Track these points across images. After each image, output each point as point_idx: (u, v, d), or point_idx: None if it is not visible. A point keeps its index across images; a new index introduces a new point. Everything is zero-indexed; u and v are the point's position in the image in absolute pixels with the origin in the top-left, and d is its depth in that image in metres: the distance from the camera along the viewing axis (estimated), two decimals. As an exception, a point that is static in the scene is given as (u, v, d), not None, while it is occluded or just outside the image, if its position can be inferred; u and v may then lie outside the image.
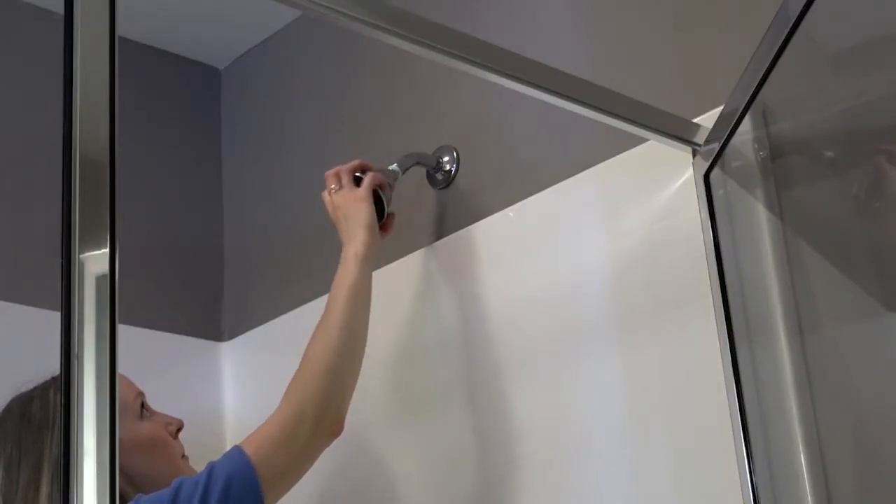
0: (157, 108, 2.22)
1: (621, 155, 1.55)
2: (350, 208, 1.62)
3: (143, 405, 1.56)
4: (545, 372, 1.58)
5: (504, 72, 1.26)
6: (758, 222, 1.37)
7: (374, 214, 1.62)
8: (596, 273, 1.55)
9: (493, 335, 1.66)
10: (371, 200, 1.63)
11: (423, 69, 1.87)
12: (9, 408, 1.51)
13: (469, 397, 1.67)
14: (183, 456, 1.59)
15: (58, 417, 1.47)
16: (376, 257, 1.62)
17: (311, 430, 1.44)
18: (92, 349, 0.84)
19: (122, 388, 1.50)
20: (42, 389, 1.51)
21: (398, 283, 1.80)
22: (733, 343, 1.34)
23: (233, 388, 2.11)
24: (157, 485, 1.43)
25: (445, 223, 1.79)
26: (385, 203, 1.67)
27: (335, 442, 1.48)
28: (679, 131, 1.41)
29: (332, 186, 1.65)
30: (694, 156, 1.43)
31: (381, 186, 1.66)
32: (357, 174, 1.66)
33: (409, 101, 1.92)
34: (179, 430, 1.60)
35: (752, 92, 1.29)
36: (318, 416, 1.45)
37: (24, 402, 1.50)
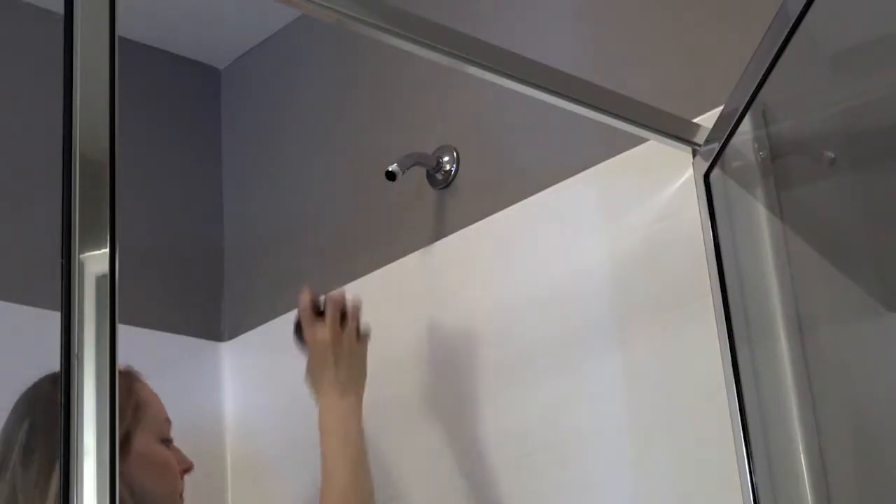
0: (157, 108, 2.22)
1: (621, 155, 1.55)
2: (350, 358, 1.51)
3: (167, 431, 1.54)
4: (545, 372, 1.58)
5: (504, 72, 1.26)
6: (758, 222, 1.37)
7: (366, 373, 1.52)
8: (596, 273, 1.55)
9: (493, 335, 1.66)
10: (365, 357, 1.54)
11: (423, 69, 1.87)
12: (38, 385, 1.49)
13: (469, 397, 1.67)
14: (181, 495, 1.56)
15: None
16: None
17: None
18: (92, 349, 0.84)
19: (157, 405, 1.50)
20: None
21: (398, 283, 1.80)
22: (733, 343, 1.34)
23: (233, 388, 2.10)
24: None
25: (445, 223, 1.79)
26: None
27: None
28: (679, 131, 1.41)
29: (330, 317, 1.51)
30: (694, 156, 1.43)
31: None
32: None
33: (409, 101, 1.92)
34: (187, 471, 1.53)
35: (752, 92, 1.29)
36: None
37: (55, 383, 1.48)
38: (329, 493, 1.42)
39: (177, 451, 1.55)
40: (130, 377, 1.52)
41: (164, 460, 1.49)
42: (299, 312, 1.55)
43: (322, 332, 1.51)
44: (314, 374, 1.51)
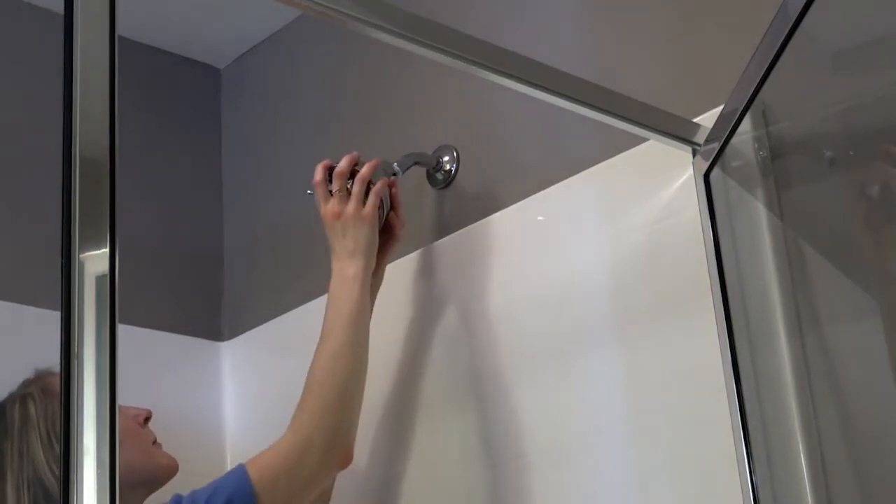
0: (157, 108, 2.22)
1: (621, 155, 1.55)
2: (355, 225, 1.55)
3: None
4: (545, 372, 1.58)
5: (504, 72, 1.26)
6: (758, 222, 1.37)
7: (377, 241, 1.57)
8: (596, 273, 1.55)
9: (493, 335, 1.66)
10: (377, 223, 1.58)
11: (423, 69, 1.87)
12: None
13: (469, 397, 1.67)
14: (154, 442, 1.59)
15: (16, 427, 1.48)
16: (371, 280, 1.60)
17: (319, 461, 1.44)
18: (92, 349, 0.84)
19: None
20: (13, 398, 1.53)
21: (398, 283, 1.80)
22: (733, 343, 1.34)
23: (233, 388, 2.11)
24: (132, 475, 1.47)
25: (445, 223, 1.79)
26: (383, 209, 1.63)
27: (337, 442, 1.48)
28: (679, 131, 1.41)
29: (337, 190, 1.57)
30: (694, 156, 1.43)
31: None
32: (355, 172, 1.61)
33: (409, 101, 1.92)
34: (147, 419, 1.60)
35: (752, 92, 1.29)
36: (326, 448, 1.44)
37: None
38: (323, 350, 1.48)
39: (127, 410, 1.57)
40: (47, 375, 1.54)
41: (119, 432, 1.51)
42: (314, 188, 1.60)
43: (329, 204, 1.57)
44: (330, 245, 1.57)
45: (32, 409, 1.49)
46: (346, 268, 1.54)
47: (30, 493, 1.44)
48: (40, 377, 1.55)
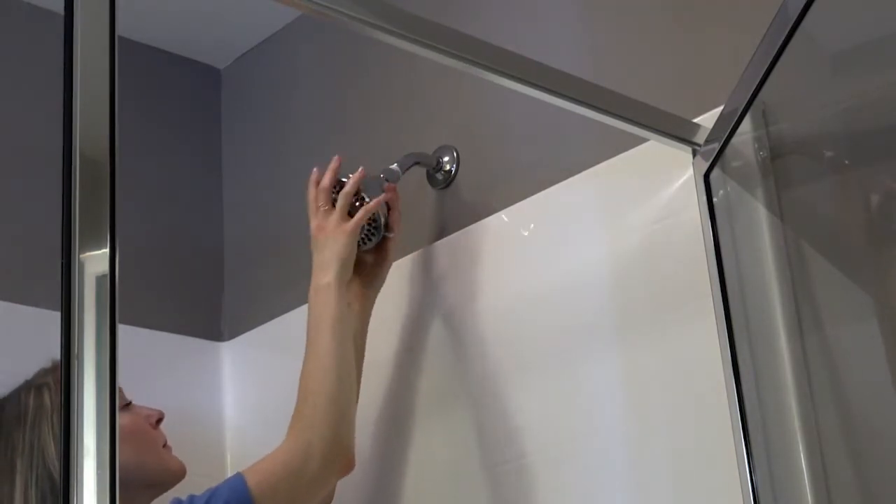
0: (157, 108, 2.22)
1: (621, 155, 1.55)
2: (334, 238, 1.58)
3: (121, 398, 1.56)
4: (545, 372, 1.58)
5: (504, 72, 1.26)
6: (758, 222, 1.37)
7: (355, 252, 1.59)
8: (596, 273, 1.55)
9: (493, 335, 1.66)
10: (356, 237, 1.59)
11: (423, 69, 1.87)
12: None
13: (468, 397, 1.67)
14: (165, 445, 1.59)
15: (29, 417, 1.48)
16: (352, 294, 1.61)
17: (320, 468, 1.44)
18: (92, 349, 0.84)
19: None
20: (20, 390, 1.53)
21: (398, 283, 1.80)
22: (733, 343, 1.33)
23: (233, 388, 2.10)
24: (141, 475, 1.47)
25: (445, 223, 1.79)
26: (380, 225, 1.64)
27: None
28: (679, 131, 1.41)
29: (322, 206, 1.60)
30: (694, 156, 1.43)
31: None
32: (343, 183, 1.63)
33: (409, 101, 1.92)
34: (160, 420, 1.60)
35: (752, 92, 1.29)
36: (327, 455, 1.44)
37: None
38: (309, 360, 1.51)
39: (140, 409, 1.57)
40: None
41: (130, 430, 1.51)
42: (309, 206, 1.64)
43: (316, 220, 1.61)
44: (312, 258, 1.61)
45: (47, 400, 1.49)
46: (320, 278, 1.56)
47: (38, 486, 1.43)
48: (57, 367, 1.54)
